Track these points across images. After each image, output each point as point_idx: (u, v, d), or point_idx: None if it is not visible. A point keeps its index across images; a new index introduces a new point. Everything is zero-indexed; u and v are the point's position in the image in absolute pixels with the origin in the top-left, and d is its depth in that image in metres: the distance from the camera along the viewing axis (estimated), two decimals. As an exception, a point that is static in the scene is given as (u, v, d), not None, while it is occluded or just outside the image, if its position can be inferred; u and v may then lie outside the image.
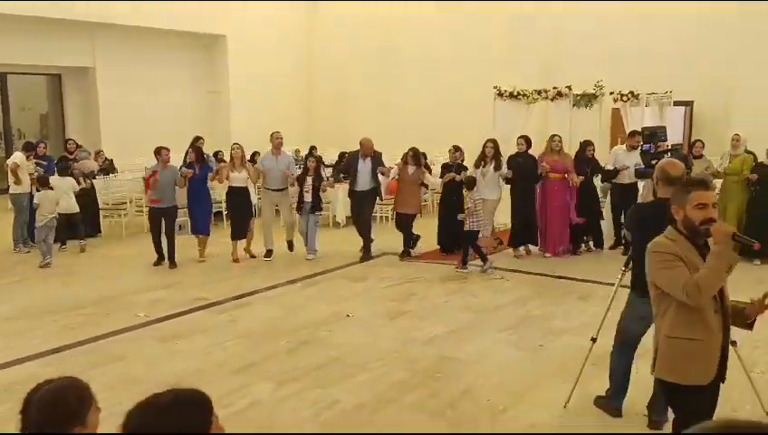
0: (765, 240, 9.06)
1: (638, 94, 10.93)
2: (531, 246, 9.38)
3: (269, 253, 9.17)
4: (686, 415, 3.02)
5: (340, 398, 4.80)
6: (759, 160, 8.83)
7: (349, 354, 5.65)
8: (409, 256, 9.22)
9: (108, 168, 12.01)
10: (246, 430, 4.22)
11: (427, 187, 10.33)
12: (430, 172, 10.23)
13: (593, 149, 9.28)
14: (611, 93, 10.65)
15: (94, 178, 11.04)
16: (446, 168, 9.39)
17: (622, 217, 8.97)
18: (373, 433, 4.24)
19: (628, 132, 10.10)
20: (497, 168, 8.99)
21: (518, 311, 6.80)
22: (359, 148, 9.38)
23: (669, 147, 7.97)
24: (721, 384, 3.06)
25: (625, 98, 10.80)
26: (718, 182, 8.69)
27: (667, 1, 12.62)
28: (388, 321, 6.54)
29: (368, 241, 9.33)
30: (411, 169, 9.24)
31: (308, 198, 8.91)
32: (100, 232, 10.93)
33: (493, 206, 9.31)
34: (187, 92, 16.31)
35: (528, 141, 9.21)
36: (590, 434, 4.22)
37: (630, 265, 4.33)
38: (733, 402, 4.58)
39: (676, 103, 12.44)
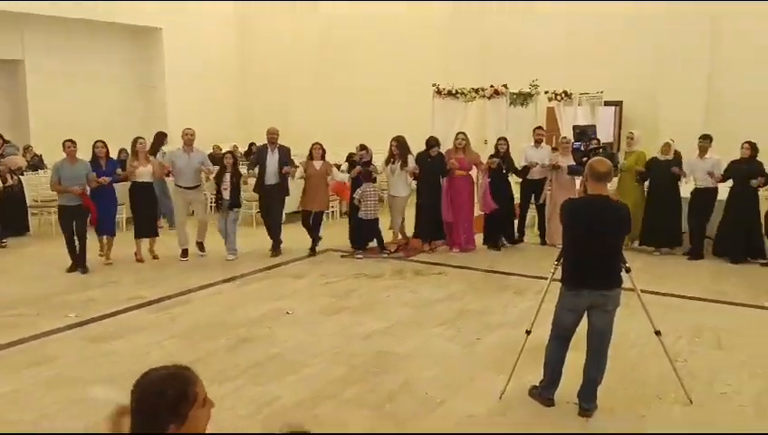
0: (661, 232, 9.74)
1: (571, 94, 11.30)
2: (437, 242, 9.52)
3: (185, 253, 8.93)
4: None
5: (280, 394, 4.79)
6: (652, 156, 9.27)
7: (288, 351, 5.64)
8: (314, 254, 9.21)
9: (37, 163, 11.59)
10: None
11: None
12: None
13: (506, 145, 9.52)
14: (546, 93, 10.97)
15: (22, 174, 10.62)
16: (351, 162, 9.39)
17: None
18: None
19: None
20: (404, 165, 9.11)
21: (455, 305, 6.93)
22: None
23: (599, 145, 8.28)
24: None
25: (559, 97, 11.15)
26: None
27: (596, 1, 13.06)
28: (327, 317, 6.55)
29: (277, 238, 9.24)
30: (318, 163, 9.20)
31: (226, 195, 8.73)
32: (28, 230, 10.54)
33: (402, 203, 9.43)
34: (121, 86, 15.88)
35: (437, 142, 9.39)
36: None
37: (562, 259, 4.47)
38: (658, 391, 4.82)
39: (607, 103, 12.91)
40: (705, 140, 9.00)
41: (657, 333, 4.70)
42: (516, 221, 9.96)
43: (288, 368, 5.27)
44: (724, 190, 8.94)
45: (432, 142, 9.29)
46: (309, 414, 4.50)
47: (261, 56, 17.36)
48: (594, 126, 8.94)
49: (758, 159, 8.68)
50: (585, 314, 4.40)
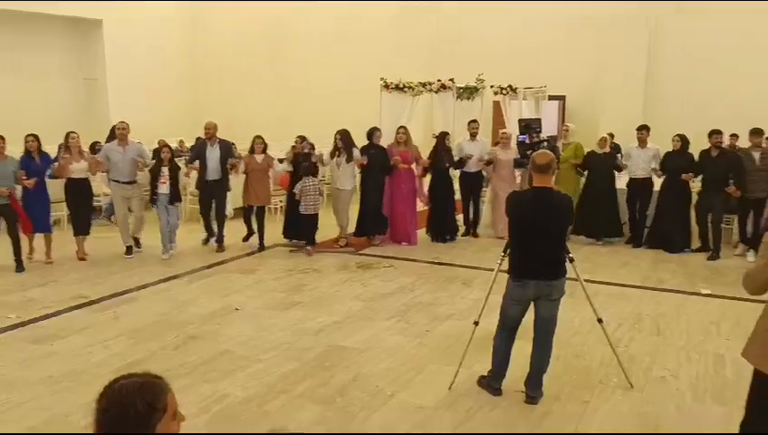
0: (598, 222, 10.10)
1: (516, 88, 11.51)
2: (380, 236, 9.59)
3: (129, 250, 8.74)
4: (751, 396, 2.99)
5: (230, 391, 4.75)
6: (590, 150, 9.64)
7: (238, 347, 5.59)
8: (261, 249, 9.18)
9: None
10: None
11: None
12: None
13: (450, 140, 9.71)
14: (492, 87, 11.14)
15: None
16: (294, 157, 9.31)
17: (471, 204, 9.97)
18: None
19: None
20: (349, 159, 9.16)
21: (405, 298, 6.98)
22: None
23: (545, 138, 8.48)
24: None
25: (504, 91, 11.34)
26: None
27: (540, 1, 13.33)
28: (278, 312, 6.51)
29: (220, 234, 9.15)
30: (259, 157, 9.15)
31: (164, 189, 8.55)
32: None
33: (348, 196, 9.48)
34: (60, 79, 15.34)
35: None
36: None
37: (508, 250, 4.56)
38: (600, 376, 4.98)
39: (551, 97, 13.20)
40: (643, 130, 9.34)
41: (600, 320, 4.85)
42: (460, 215, 10.16)
43: (238, 364, 5.22)
44: (659, 181, 9.31)
45: (372, 130, 9.36)
46: (259, 410, 4.48)
47: (211, 50, 17.04)
48: (539, 119, 9.13)
49: (690, 151, 9.05)
50: (531, 304, 4.51)
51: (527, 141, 8.17)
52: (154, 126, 13.82)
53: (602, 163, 9.37)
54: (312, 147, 9.14)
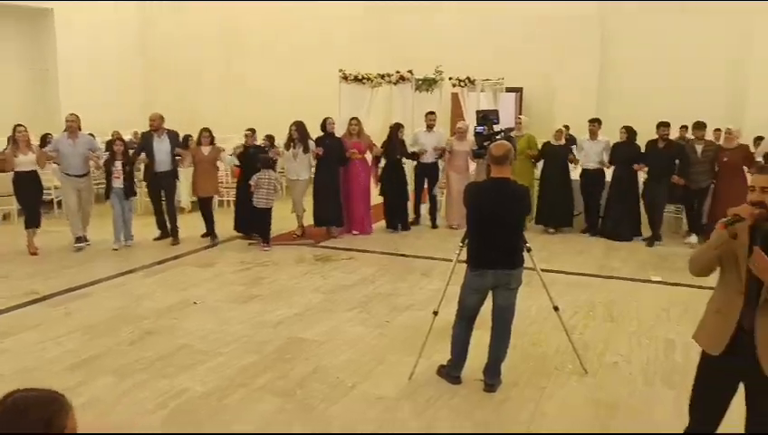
0: (554, 212, 10.37)
1: (474, 80, 11.60)
2: (336, 228, 9.60)
3: (78, 240, 8.56)
4: (696, 376, 3.16)
5: (188, 386, 4.70)
6: (545, 140, 9.91)
7: (197, 341, 5.54)
8: (214, 239, 9.16)
9: None
10: (83, 430, 4.02)
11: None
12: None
13: (403, 132, 9.81)
14: (450, 79, 11.20)
15: None
16: (243, 151, 9.19)
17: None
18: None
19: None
20: (306, 150, 9.15)
21: (365, 289, 7.00)
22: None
23: (502, 129, 8.59)
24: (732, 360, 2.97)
25: (462, 83, 11.41)
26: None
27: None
28: (237, 306, 6.46)
29: (174, 226, 9.05)
30: (206, 149, 9.11)
31: (118, 183, 8.42)
32: None
33: (304, 186, 9.47)
34: (7, 69, 14.85)
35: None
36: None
37: (467, 241, 4.62)
38: (556, 363, 5.09)
39: (509, 90, 13.35)
40: (594, 123, 9.60)
41: (556, 308, 4.96)
42: (412, 205, 10.30)
43: (196, 359, 5.17)
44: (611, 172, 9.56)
45: (325, 120, 9.36)
46: (219, 404, 4.45)
47: (167, 42, 16.66)
48: (497, 111, 9.24)
49: (638, 142, 9.32)
50: (490, 294, 4.58)
51: (484, 133, 8.25)
52: (107, 118, 13.52)
53: (557, 154, 9.60)
54: (272, 142, 9.07)
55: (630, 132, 9.28)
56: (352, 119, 9.56)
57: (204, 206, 9.28)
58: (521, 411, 4.34)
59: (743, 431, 3.07)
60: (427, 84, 10.77)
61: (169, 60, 16.67)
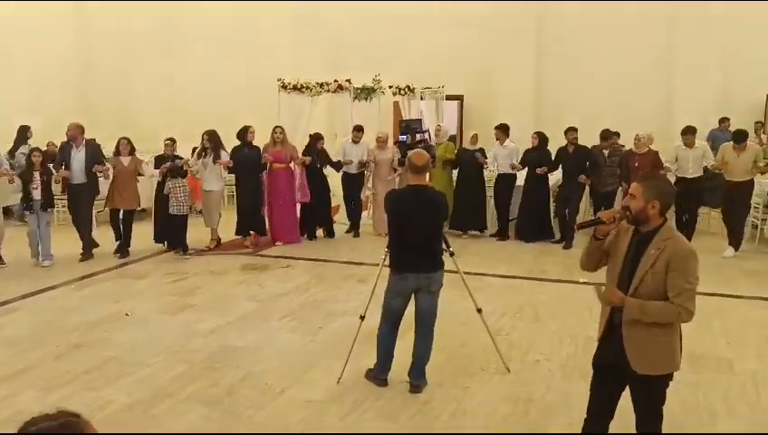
0: (469, 216, 10.66)
1: (414, 88, 11.80)
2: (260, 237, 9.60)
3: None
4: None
5: (115, 398, 4.69)
6: (461, 146, 10.25)
7: (126, 353, 5.51)
8: (123, 253, 8.91)
9: None
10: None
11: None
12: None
13: (323, 143, 9.91)
14: (390, 87, 11.37)
15: None
16: (160, 159, 9.13)
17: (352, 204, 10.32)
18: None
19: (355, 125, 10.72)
20: (216, 158, 9.15)
21: (300, 297, 7.06)
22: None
23: (425, 138, 8.78)
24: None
25: (402, 92, 11.60)
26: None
27: (434, 2, 13.73)
28: (169, 316, 6.44)
29: (87, 240, 8.78)
30: (126, 160, 8.92)
31: (37, 195, 8.17)
32: None
33: (216, 197, 9.49)
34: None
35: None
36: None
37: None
38: (481, 363, 5.25)
39: (449, 97, 13.60)
40: (499, 129, 10.02)
41: (479, 310, 5.12)
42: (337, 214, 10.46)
43: (124, 370, 5.15)
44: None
45: (244, 129, 9.36)
46: (145, 415, 4.45)
47: (106, 46, 16.32)
48: (420, 120, 9.43)
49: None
50: (413, 297, 4.71)
51: (408, 142, 8.42)
52: (43, 126, 13.17)
53: (471, 159, 9.86)
54: (173, 142, 9.04)
55: (541, 138, 9.67)
56: (276, 127, 9.54)
57: (124, 219, 8.95)
58: (443, 411, 4.48)
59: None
60: (366, 93, 10.91)
61: (107, 65, 16.33)
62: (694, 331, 5.75)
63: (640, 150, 9.21)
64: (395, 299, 4.68)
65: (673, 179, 8.85)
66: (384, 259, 4.92)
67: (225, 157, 9.13)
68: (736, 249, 8.66)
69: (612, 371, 3.23)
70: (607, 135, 9.88)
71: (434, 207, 4.55)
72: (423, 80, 12.30)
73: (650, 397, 3.17)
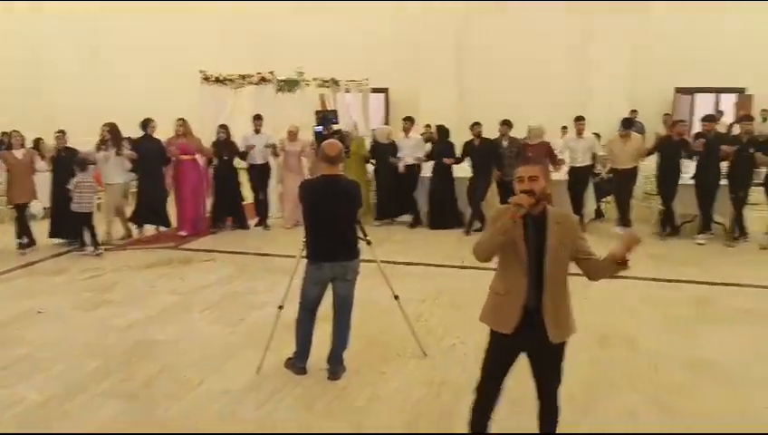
0: (385, 205, 10.91)
1: (339, 81, 11.86)
2: (162, 227, 9.69)
3: None
4: (486, 353, 3.53)
5: (27, 395, 4.60)
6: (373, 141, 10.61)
7: (39, 350, 5.39)
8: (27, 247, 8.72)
9: None
10: None
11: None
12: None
13: (225, 135, 9.87)
14: (315, 80, 11.39)
15: None
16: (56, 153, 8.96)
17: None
18: None
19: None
20: (119, 152, 9.07)
21: (222, 289, 7.05)
22: None
23: (339, 129, 8.89)
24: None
25: (327, 84, 11.64)
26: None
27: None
28: (85, 312, 6.32)
29: None
30: (19, 153, 8.68)
31: None
32: None
33: (119, 190, 9.41)
34: None
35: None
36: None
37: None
38: (399, 349, 5.40)
39: (375, 90, 13.75)
40: (406, 121, 10.47)
41: (396, 297, 5.27)
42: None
43: (37, 367, 5.04)
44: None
45: (146, 122, 9.35)
46: (58, 411, 4.39)
47: (21, 35, 15.58)
48: (335, 111, 9.50)
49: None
50: (330, 286, 4.80)
51: (324, 132, 8.49)
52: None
53: (385, 152, 10.23)
54: (63, 133, 8.86)
55: (441, 131, 10.13)
56: (178, 120, 9.49)
57: (19, 213, 8.68)
58: (359, 396, 4.60)
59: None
60: (290, 85, 10.91)
61: (24, 55, 15.64)
62: (600, 311, 6.15)
63: (532, 142, 9.62)
64: (312, 288, 4.76)
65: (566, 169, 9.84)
66: (303, 249, 4.98)
67: (126, 149, 9.04)
68: (626, 227, 9.30)
69: (519, 350, 3.39)
70: (506, 123, 10.12)
71: (348, 197, 4.65)
72: (348, 73, 12.37)
73: (558, 361, 3.37)
